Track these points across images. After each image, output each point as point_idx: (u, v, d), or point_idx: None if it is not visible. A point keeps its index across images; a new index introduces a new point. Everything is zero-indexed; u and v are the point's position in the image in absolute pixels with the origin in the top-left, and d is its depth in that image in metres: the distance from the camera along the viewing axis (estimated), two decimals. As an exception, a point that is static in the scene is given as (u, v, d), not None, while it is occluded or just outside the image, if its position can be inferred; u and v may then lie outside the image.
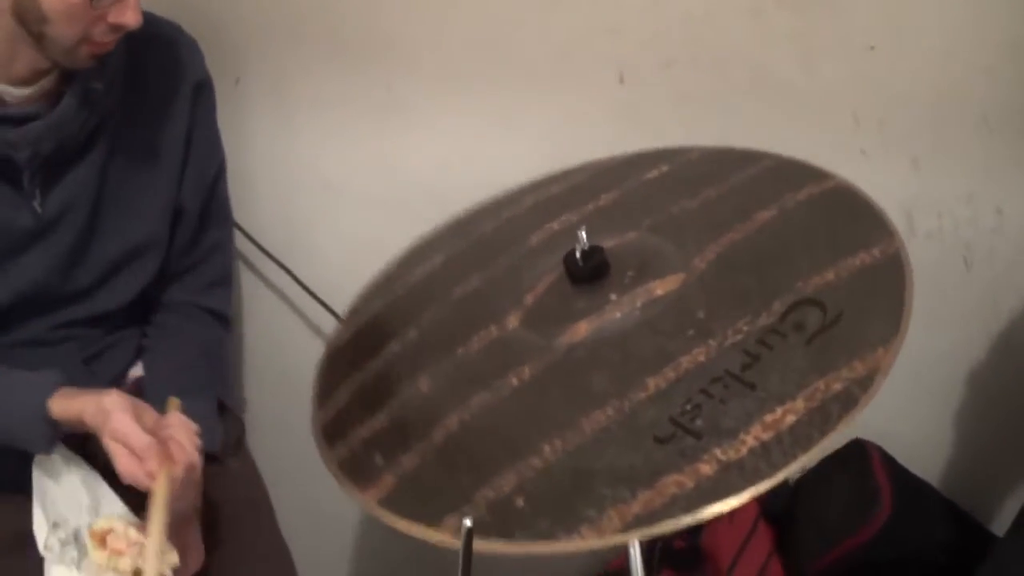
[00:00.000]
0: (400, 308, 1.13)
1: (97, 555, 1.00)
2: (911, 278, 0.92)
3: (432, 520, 0.84)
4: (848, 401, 0.81)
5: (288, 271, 1.52)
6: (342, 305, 1.22)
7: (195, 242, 1.30)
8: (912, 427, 1.46)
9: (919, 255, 0.96)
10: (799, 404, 0.82)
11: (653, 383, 0.88)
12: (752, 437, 0.81)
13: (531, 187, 1.27)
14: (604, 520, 0.79)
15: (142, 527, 1.01)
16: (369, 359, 1.06)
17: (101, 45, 1.07)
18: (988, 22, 1.27)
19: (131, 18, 1.05)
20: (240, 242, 1.49)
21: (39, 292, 1.17)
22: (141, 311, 1.30)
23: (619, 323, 0.96)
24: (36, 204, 1.14)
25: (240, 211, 1.43)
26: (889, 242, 0.97)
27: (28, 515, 1.07)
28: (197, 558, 1.11)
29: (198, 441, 1.06)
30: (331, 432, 1.00)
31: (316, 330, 1.57)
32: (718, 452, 0.81)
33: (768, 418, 0.82)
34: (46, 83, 1.10)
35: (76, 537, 1.05)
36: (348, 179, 1.49)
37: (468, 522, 0.78)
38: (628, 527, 0.78)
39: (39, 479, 1.09)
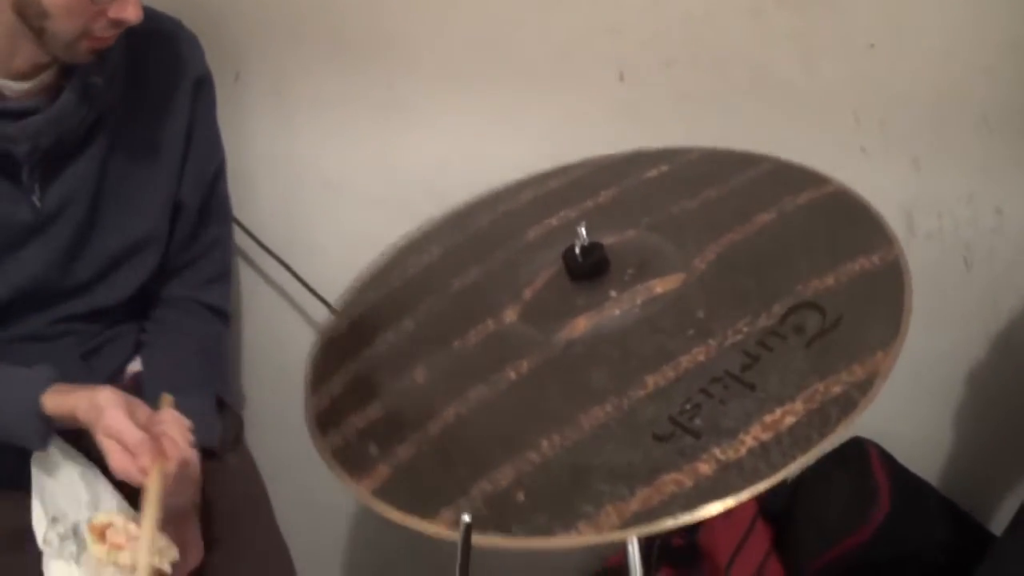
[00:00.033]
0: (397, 299, 1.13)
1: (96, 549, 0.99)
2: (910, 284, 0.92)
3: (428, 512, 0.84)
4: (847, 404, 0.82)
5: (288, 268, 1.52)
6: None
7: (194, 238, 1.30)
8: (912, 427, 1.46)
9: (919, 255, 0.96)
10: (798, 406, 0.83)
11: (652, 381, 0.88)
12: (751, 437, 0.81)
13: (529, 182, 1.26)
14: (602, 517, 0.79)
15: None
16: (364, 348, 1.06)
17: (101, 40, 1.07)
18: (988, 22, 1.27)
19: (132, 13, 1.04)
20: (240, 238, 1.49)
21: (38, 287, 1.17)
22: (140, 306, 1.30)
23: (618, 320, 0.96)
24: (35, 199, 1.13)
25: (240, 208, 1.43)
26: (889, 249, 0.97)
27: (27, 511, 1.07)
28: (196, 554, 1.11)
29: (191, 437, 1.05)
30: (325, 420, 0.99)
31: (316, 327, 1.57)
32: (717, 452, 0.81)
33: (767, 419, 0.82)
34: (46, 77, 1.10)
35: (75, 531, 1.04)
36: (348, 177, 1.48)
37: (467, 518, 0.78)
38: (626, 524, 0.78)
39: (38, 474, 1.09)
